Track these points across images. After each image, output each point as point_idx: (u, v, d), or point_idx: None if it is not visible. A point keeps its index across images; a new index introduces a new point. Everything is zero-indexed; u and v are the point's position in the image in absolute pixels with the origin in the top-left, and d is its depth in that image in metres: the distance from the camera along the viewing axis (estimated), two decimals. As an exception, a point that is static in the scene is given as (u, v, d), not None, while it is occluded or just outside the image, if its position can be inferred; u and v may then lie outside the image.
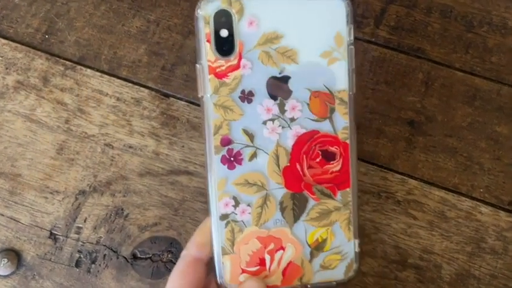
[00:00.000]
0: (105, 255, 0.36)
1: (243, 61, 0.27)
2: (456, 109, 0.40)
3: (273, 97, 0.28)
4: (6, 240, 0.37)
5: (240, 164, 0.28)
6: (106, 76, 0.41)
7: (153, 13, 0.43)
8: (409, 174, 0.38)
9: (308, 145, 0.29)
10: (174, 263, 0.35)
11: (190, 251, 0.28)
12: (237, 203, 0.28)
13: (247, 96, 0.28)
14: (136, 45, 0.42)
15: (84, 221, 0.37)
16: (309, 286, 0.29)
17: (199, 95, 0.28)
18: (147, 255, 0.36)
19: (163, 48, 0.42)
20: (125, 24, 0.43)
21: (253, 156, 0.28)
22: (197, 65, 0.28)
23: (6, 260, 0.35)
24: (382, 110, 0.40)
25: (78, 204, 0.37)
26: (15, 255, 0.36)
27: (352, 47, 0.28)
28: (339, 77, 0.28)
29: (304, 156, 0.29)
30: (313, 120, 0.28)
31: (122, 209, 0.37)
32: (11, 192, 0.38)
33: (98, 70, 0.41)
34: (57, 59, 0.42)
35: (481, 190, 0.38)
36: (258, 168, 0.28)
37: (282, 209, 0.28)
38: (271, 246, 0.28)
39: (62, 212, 0.37)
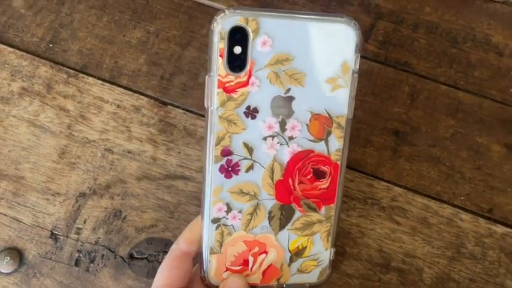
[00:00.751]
0: (103, 255, 0.38)
1: (252, 79, 0.28)
2: (440, 121, 0.42)
3: (276, 115, 0.29)
4: (9, 239, 0.38)
5: (237, 174, 0.30)
6: (107, 84, 0.43)
7: (152, 25, 0.45)
8: (394, 182, 0.40)
9: (302, 162, 0.30)
10: (169, 263, 0.37)
11: (179, 246, 0.31)
12: (229, 209, 0.30)
13: (251, 112, 0.29)
14: (137, 55, 0.44)
15: (84, 222, 0.39)
16: (284, 286, 0.31)
17: (205, 105, 0.29)
18: (144, 256, 0.38)
19: (162, 59, 0.44)
20: (126, 35, 0.45)
21: (250, 168, 0.30)
22: (207, 77, 0.28)
23: (8, 258, 0.37)
24: (369, 121, 0.42)
25: (79, 206, 0.39)
26: (17, 254, 0.38)
27: (356, 75, 0.30)
28: (340, 103, 0.30)
29: (297, 172, 0.30)
30: (310, 140, 0.30)
31: (120, 211, 0.39)
32: (15, 194, 0.39)
33: (99, 78, 0.43)
34: (61, 67, 0.43)
35: (462, 198, 0.40)
36: (253, 180, 0.30)
37: (270, 218, 0.31)
38: (256, 249, 0.31)
39: (62, 213, 0.39)
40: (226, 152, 0.29)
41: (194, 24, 0.45)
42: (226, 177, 0.29)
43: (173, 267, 0.30)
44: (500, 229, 0.39)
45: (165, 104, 0.43)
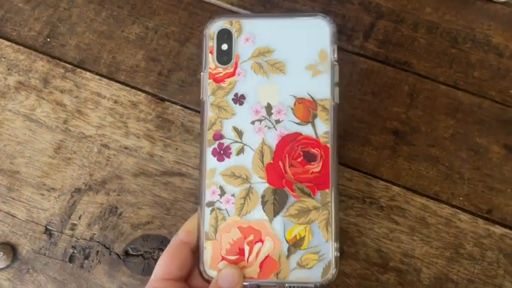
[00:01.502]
0: (98, 251, 0.38)
1: (238, 69, 0.32)
2: (439, 121, 0.42)
3: (262, 101, 0.32)
4: (3, 235, 0.38)
5: (229, 157, 0.31)
6: (105, 79, 0.43)
7: (151, 21, 0.45)
8: (393, 181, 0.40)
9: (291, 145, 0.31)
10: (165, 261, 0.37)
11: (179, 236, 0.31)
12: (222, 193, 0.31)
13: (239, 99, 0.32)
14: (135, 50, 0.44)
15: (79, 218, 0.38)
16: (286, 285, 0.30)
17: (200, 98, 0.32)
18: (139, 253, 0.38)
19: (160, 55, 0.44)
20: (124, 31, 0.44)
21: (241, 151, 0.31)
22: (202, 73, 0.32)
23: (1, 253, 0.37)
24: (369, 120, 0.42)
25: (74, 202, 0.39)
26: (10, 249, 0.37)
27: (336, 64, 0.32)
28: (322, 87, 0.32)
29: (287, 155, 0.31)
30: (296, 123, 0.31)
31: (116, 208, 0.39)
32: (9, 189, 0.39)
33: (97, 73, 0.43)
34: (58, 61, 0.43)
35: (461, 198, 0.40)
36: (243, 163, 0.31)
37: (263, 203, 0.31)
38: (251, 237, 0.30)
39: (57, 209, 0.39)
40: (218, 136, 0.31)
41: (193, 21, 0.45)
42: (218, 160, 0.31)
43: (171, 256, 0.30)
44: (499, 230, 0.39)
45: (162, 100, 0.42)
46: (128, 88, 0.42)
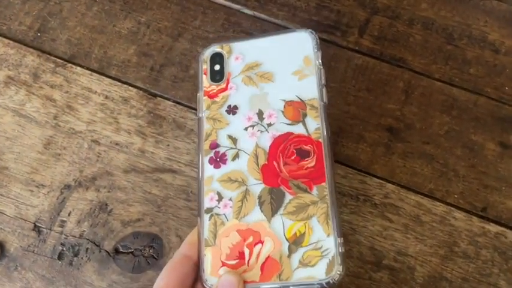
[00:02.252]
0: (87, 248, 0.37)
1: (230, 84, 0.33)
2: (434, 117, 0.42)
3: (254, 109, 0.33)
4: (-9, 232, 0.37)
5: (225, 163, 0.31)
6: (96, 74, 0.42)
7: (144, 15, 0.44)
8: (387, 179, 0.40)
9: (284, 145, 0.31)
10: (156, 258, 0.36)
11: (181, 250, 0.30)
12: (220, 198, 0.30)
13: (232, 110, 0.33)
14: (127, 45, 0.43)
15: (68, 215, 0.38)
16: (290, 287, 0.29)
17: (197, 116, 0.33)
18: (129, 250, 0.37)
19: (152, 50, 0.43)
20: (116, 25, 0.44)
21: (236, 156, 0.31)
22: (197, 94, 0.34)
23: (-11, 250, 0.36)
24: (363, 116, 0.42)
25: (63, 198, 0.38)
26: (-2, 246, 0.36)
27: (321, 67, 0.33)
28: (309, 88, 0.32)
29: (280, 154, 0.31)
30: (287, 124, 0.32)
31: (106, 204, 0.38)
32: (-3, 185, 0.38)
33: (88, 68, 0.42)
34: (48, 56, 0.42)
35: (456, 196, 0.39)
36: (239, 167, 0.31)
37: (261, 203, 0.30)
38: (250, 239, 0.30)
39: (46, 205, 0.38)
40: (214, 145, 0.32)
41: (186, 16, 0.44)
42: (215, 167, 0.31)
43: (172, 270, 0.29)
44: (493, 228, 0.38)
45: (154, 95, 0.42)
46: (119, 83, 0.42)
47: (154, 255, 0.37)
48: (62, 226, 0.37)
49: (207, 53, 0.35)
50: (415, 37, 0.45)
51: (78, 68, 0.42)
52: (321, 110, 0.32)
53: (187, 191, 0.39)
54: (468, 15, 0.46)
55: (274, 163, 0.31)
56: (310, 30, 0.34)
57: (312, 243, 0.29)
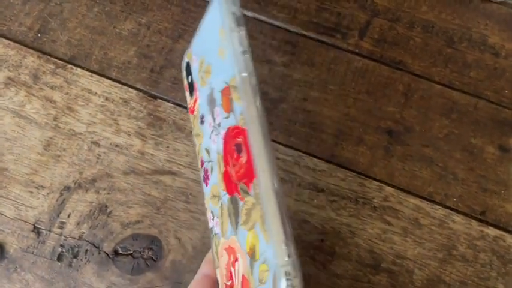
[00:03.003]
0: (87, 250, 0.37)
1: (197, 93, 0.31)
2: (434, 120, 0.42)
3: (211, 111, 0.29)
4: (-10, 233, 0.37)
5: (209, 179, 0.29)
6: (96, 76, 0.42)
7: (144, 17, 0.44)
8: (386, 182, 0.40)
9: (229, 144, 0.27)
10: (155, 260, 0.36)
11: (201, 269, 0.30)
12: (213, 216, 0.29)
13: (202, 119, 0.30)
14: (127, 47, 0.43)
15: (68, 217, 0.38)
16: None
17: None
18: (128, 252, 0.37)
19: (152, 51, 0.43)
20: (117, 27, 0.44)
21: (212, 169, 0.28)
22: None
23: (-11, 251, 0.36)
24: (363, 119, 0.42)
25: (63, 200, 0.38)
26: (-2, 248, 0.37)
27: (236, 33, 0.25)
28: (229, 65, 0.26)
29: (229, 156, 0.27)
30: (225, 118, 0.27)
31: (106, 206, 0.38)
32: (-3, 186, 0.38)
33: (88, 70, 0.42)
34: (49, 57, 0.42)
35: (455, 199, 0.39)
36: (215, 180, 0.28)
37: (229, 216, 0.26)
38: (232, 257, 0.26)
39: (46, 207, 0.38)
40: (202, 163, 0.31)
41: (187, 17, 0.44)
42: (206, 185, 0.30)
43: None
44: (492, 232, 0.38)
45: (154, 97, 0.42)
46: (119, 85, 0.42)
47: (154, 257, 0.37)
48: (61, 228, 0.37)
49: (183, 65, 0.33)
50: (415, 40, 0.45)
51: (79, 69, 0.42)
52: (242, 85, 0.25)
53: (187, 193, 0.39)
54: (468, 18, 0.46)
55: (228, 168, 0.26)
56: None
57: (261, 256, 0.23)
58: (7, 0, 0.44)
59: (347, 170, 0.40)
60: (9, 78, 0.42)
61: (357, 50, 0.44)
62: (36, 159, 0.39)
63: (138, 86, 0.42)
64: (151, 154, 0.40)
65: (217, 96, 0.27)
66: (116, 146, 0.40)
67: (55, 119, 0.40)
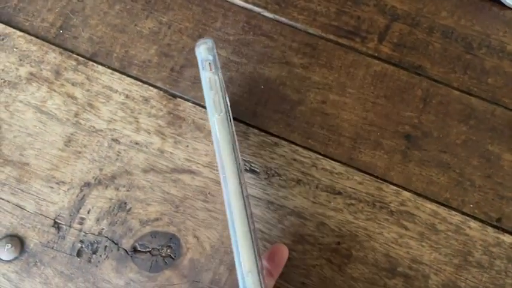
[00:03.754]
0: (106, 246, 0.37)
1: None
2: (452, 126, 0.42)
3: None
4: (11, 226, 0.38)
5: None
6: (117, 73, 0.42)
7: (165, 15, 0.44)
8: (403, 186, 0.40)
9: None
10: (173, 258, 0.37)
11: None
12: None
13: None
14: (148, 45, 0.44)
15: (88, 213, 0.38)
16: None
17: None
18: (147, 249, 0.37)
19: (173, 50, 0.43)
20: (138, 25, 0.44)
21: None
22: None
23: (10, 245, 0.36)
24: (381, 123, 0.42)
25: (83, 196, 0.39)
26: (18, 241, 0.37)
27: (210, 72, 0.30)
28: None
29: None
30: None
31: (125, 203, 0.38)
32: (18, 180, 0.39)
33: (109, 67, 0.43)
34: (70, 53, 0.43)
35: (471, 206, 0.40)
36: None
37: None
38: None
39: (66, 202, 0.38)
40: None
41: (207, 17, 0.45)
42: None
43: None
44: (508, 239, 0.39)
45: (174, 96, 0.42)
46: (139, 83, 0.42)
47: (172, 255, 0.37)
48: (81, 223, 0.38)
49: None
50: (434, 45, 0.45)
51: (100, 66, 0.42)
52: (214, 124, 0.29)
53: (205, 192, 0.39)
54: (488, 25, 0.46)
55: None
56: (201, 41, 0.31)
57: None
58: (30, -4, 0.44)
59: (364, 174, 0.40)
60: (31, 73, 0.42)
61: (376, 54, 0.44)
62: (57, 154, 0.40)
63: (159, 84, 0.42)
64: (171, 152, 0.40)
65: None
66: (136, 143, 0.40)
67: (76, 115, 0.41)
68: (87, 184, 0.39)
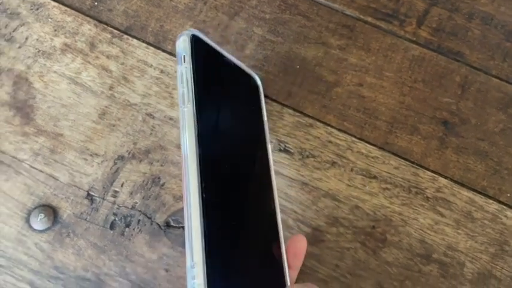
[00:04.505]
0: (139, 220, 0.37)
1: None
2: (490, 114, 0.41)
3: None
4: (44, 196, 0.37)
5: None
6: (151, 48, 0.42)
7: (202, -9, 0.44)
8: (440, 173, 0.39)
9: None
10: (206, 235, 0.36)
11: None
12: None
13: None
14: (183, 21, 0.43)
15: (121, 186, 0.38)
16: None
17: None
18: (180, 225, 0.37)
19: (208, 27, 0.43)
20: (173, 0, 0.43)
21: None
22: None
23: (43, 215, 0.36)
24: (418, 108, 0.41)
25: (117, 169, 0.38)
26: (51, 212, 0.37)
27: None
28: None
29: None
30: None
31: (159, 178, 0.38)
32: (52, 151, 0.38)
33: (144, 41, 0.42)
34: (105, 26, 0.42)
35: (508, 195, 0.39)
36: None
37: None
38: None
39: (100, 175, 0.38)
40: None
41: (244, -5, 0.44)
42: None
43: None
44: (545, 230, 0.38)
45: (209, 73, 0.41)
46: (174, 58, 0.42)
47: (205, 232, 0.37)
48: (114, 196, 0.38)
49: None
50: (474, 31, 0.44)
51: (135, 40, 0.42)
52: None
53: (239, 170, 0.39)
54: (529, 13, 0.45)
55: None
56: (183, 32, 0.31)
57: None
58: (65, -33, 0.44)
59: (400, 159, 0.40)
60: (65, 44, 0.41)
61: (414, 38, 0.43)
62: (91, 127, 0.39)
63: (194, 60, 0.42)
64: (205, 129, 0.40)
65: None
66: (170, 119, 0.40)
67: (111, 88, 0.40)
68: (121, 157, 0.39)
